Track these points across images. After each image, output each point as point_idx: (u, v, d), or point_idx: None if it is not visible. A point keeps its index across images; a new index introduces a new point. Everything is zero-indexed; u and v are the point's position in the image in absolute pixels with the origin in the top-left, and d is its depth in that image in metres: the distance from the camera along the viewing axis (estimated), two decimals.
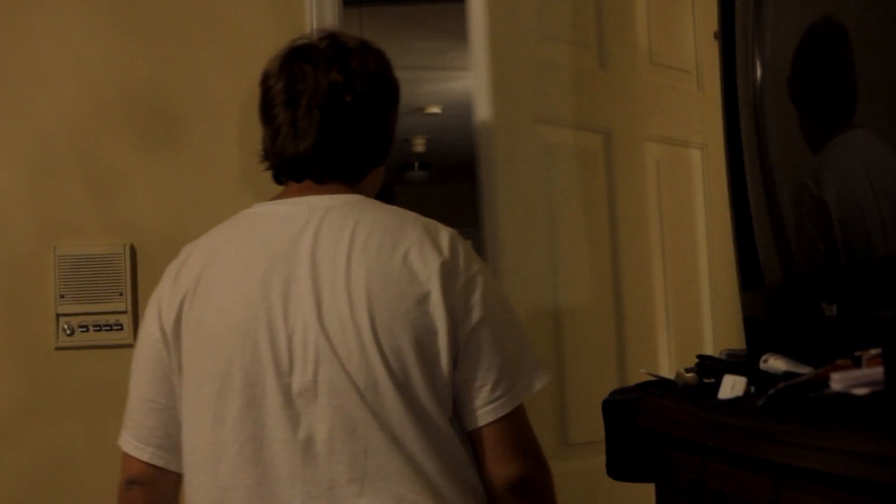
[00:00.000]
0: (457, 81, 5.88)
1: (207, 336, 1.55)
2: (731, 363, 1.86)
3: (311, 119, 1.64)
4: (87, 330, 2.30)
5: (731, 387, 1.65)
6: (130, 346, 2.33)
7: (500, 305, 1.59)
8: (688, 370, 2.00)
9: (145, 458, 1.61)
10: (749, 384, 1.63)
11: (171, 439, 1.60)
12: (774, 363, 1.59)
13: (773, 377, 1.55)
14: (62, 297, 2.30)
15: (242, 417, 1.51)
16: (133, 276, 2.32)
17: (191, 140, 2.35)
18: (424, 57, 5.41)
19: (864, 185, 1.43)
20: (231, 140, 2.35)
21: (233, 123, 2.36)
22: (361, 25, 4.65)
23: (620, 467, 2.15)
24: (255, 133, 2.36)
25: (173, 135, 2.36)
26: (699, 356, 2.10)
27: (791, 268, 1.73)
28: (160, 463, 1.60)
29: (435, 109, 6.46)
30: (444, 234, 1.60)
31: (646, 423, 1.91)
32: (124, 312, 2.31)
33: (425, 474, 1.51)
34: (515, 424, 1.56)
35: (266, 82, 1.71)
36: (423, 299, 1.52)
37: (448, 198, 8.91)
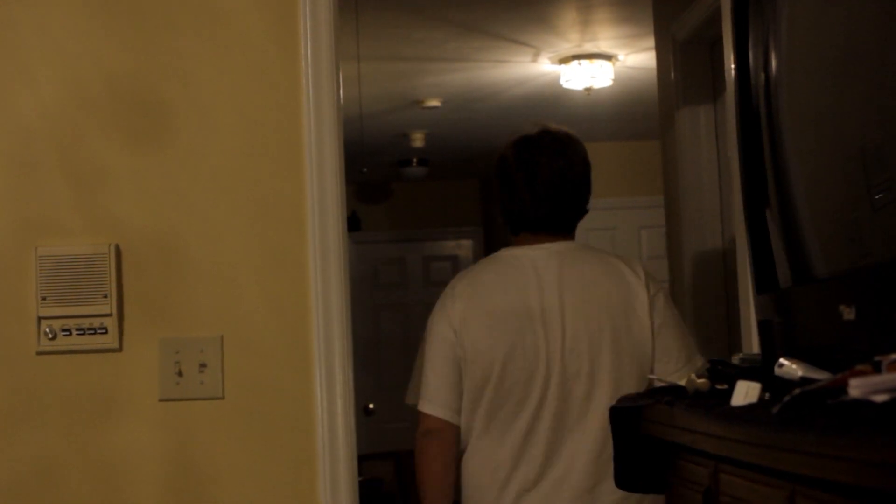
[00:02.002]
0: (457, 73, 5.87)
1: (484, 336, 2.50)
2: (745, 368, 1.86)
3: (546, 193, 2.56)
4: (70, 334, 2.30)
5: (745, 393, 1.65)
6: (116, 350, 2.34)
7: (673, 311, 2.59)
8: (699, 376, 1.99)
9: (439, 414, 2.53)
10: (763, 390, 1.63)
11: (455, 404, 2.52)
12: (790, 368, 1.59)
13: (788, 383, 1.55)
14: (44, 299, 2.30)
15: (510, 391, 2.48)
16: (118, 278, 2.32)
17: (179, 134, 2.35)
18: (423, 48, 5.40)
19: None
20: (221, 133, 2.35)
21: (223, 116, 2.36)
22: (357, 15, 4.64)
23: (629, 477, 2.15)
24: (247, 127, 2.36)
25: (160, 128, 2.36)
26: (711, 360, 2.10)
27: (808, 269, 1.73)
28: (451, 418, 2.53)
29: (434, 103, 6.45)
30: (638, 264, 2.59)
31: (655, 431, 1.90)
32: (109, 315, 2.30)
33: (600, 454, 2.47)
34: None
35: (506, 167, 2.60)
36: (631, 305, 2.50)
37: (448, 194, 8.91)
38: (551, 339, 2.48)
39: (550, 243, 2.57)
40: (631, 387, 2.44)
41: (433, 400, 2.54)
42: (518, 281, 2.52)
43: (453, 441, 2.54)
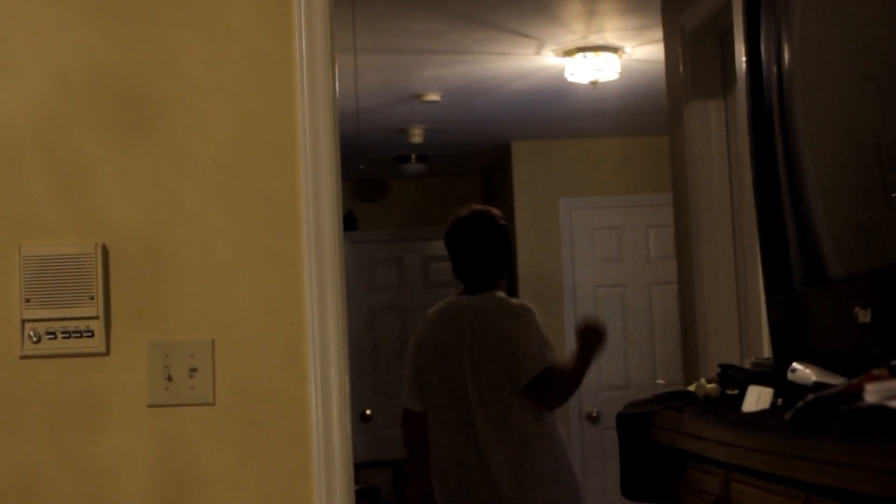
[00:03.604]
0: (457, 66, 5.88)
1: (434, 357, 4.02)
2: (757, 373, 1.87)
3: (476, 260, 4.04)
4: (55, 337, 2.30)
5: (757, 399, 1.65)
6: (103, 354, 2.34)
7: (539, 331, 3.97)
8: (709, 381, 2.00)
9: (417, 409, 4.06)
10: (776, 396, 1.63)
11: (422, 401, 4.03)
12: (803, 373, 1.59)
13: (801, 388, 1.56)
14: (27, 301, 2.30)
15: (450, 390, 3.94)
16: (105, 279, 2.32)
17: (168, 129, 2.35)
18: (422, 40, 5.40)
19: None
20: (212, 129, 2.35)
21: (214, 111, 2.36)
22: (353, 5, 4.64)
23: (635, 486, 2.16)
24: (239, 122, 2.36)
25: (149, 124, 2.36)
26: (721, 365, 2.10)
27: (822, 269, 1.73)
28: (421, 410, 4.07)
29: (433, 97, 6.45)
30: (525, 305, 4.05)
31: (663, 438, 1.91)
32: (95, 318, 2.30)
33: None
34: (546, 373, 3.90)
35: (451, 240, 4.09)
36: (510, 336, 3.93)
37: (448, 192, 8.91)
38: (466, 360, 3.96)
39: (476, 295, 4.02)
40: (497, 371, 3.92)
41: (410, 399, 4.11)
42: (453, 319, 4.02)
43: (423, 426, 4.07)
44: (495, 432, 3.93)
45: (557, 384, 3.90)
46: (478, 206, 4.16)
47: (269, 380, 2.32)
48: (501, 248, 4.08)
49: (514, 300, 4.10)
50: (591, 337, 3.93)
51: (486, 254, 4.03)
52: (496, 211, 4.16)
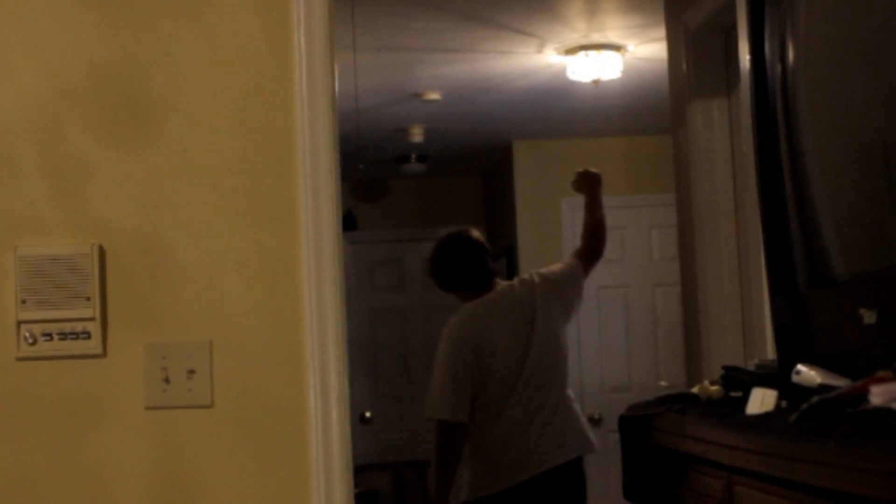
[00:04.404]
0: (458, 65, 5.88)
1: (493, 354, 4.25)
2: (760, 375, 1.87)
3: (460, 273, 4.44)
4: (52, 338, 2.30)
5: (761, 401, 1.65)
6: (99, 355, 2.34)
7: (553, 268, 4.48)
8: (713, 383, 2.00)
9: (461, 419, 4.22)
10: (780, 398, 1.63)
11: (466, 408, 4.20)
12: (808, 375, 1.59)
13: (806, 391, 1.56)
14: (23, 302, 2.30)
15: (510, 383, 4.24)
16: (102, 280, 2.32)
17: (166, 129, 2.36)
18: (422, 38, 5.41)
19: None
20: (210, 129, 2.35)
21: (211, 110, 2.36)
22: (353, 3, 4.64)
23: (637, 489, 2.16)
24: (237, 121, 2.37)
25: (146, 123, 2.36)
26: (725, 367, 2.11)
27: (827, 270, 1.73)
28: (465, 420, 4.24)
29: (434, 96, 6.45)
30: (528, 274, 4.49)
31: (666, 441, 1.91)
32: (92, 319, 2.30)
33: None
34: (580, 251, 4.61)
35: (435, 260, 4.52)
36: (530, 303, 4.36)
37: (448, 192, 8.91)
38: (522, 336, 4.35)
39: (485, 293, 4.39)
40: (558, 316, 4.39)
41: (449, 410, 4.30)
42: (490, 315, 4.36)
43: (461, 437, 4.37)
44: (550, 400, 4.26)
45: (590, 234, 4.57)
46: (462, 230, 4.55)
47: (268, 382, 2.32)
48: (484, 260, 4.44)
49: (517, 278, 4.53)
50: (588, 183, 4.63)
51: (470, 269, 4.42)
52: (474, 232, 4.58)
